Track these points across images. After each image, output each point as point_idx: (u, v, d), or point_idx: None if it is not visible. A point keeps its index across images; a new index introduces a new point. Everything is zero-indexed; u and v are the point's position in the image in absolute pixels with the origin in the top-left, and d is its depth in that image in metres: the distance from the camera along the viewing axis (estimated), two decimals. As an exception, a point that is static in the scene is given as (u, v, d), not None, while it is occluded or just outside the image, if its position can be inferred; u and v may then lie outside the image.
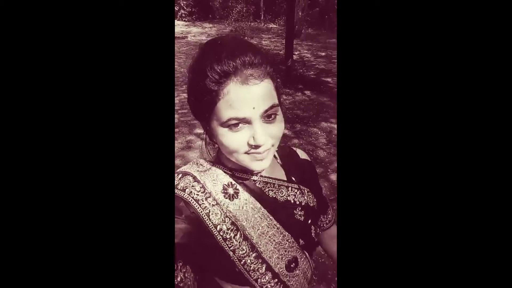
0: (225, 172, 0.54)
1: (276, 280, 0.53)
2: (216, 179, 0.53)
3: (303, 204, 0.59)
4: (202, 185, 0.51)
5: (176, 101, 4.33)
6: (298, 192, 0.59)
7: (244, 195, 0.53)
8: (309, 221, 0.60)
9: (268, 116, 0.45)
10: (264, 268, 0.52)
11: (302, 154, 0.70)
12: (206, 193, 0.51)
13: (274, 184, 0.57)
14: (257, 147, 0.45)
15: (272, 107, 0.44)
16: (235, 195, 0.52)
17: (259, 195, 0.54)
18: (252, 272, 0.51)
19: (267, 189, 0.56)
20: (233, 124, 0.43)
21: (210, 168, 0.54)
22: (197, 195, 0.50)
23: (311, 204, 0.61)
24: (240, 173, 0.54)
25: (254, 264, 0.51)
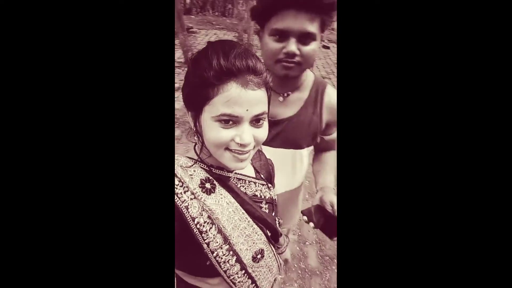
0: (202, 167, 0.56)
1: (244, 271, 0.57)
2: (194, 174, 0.55)
3: (267, 198, 0.66)
4: (179, 179, 0.53)
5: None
6: (264, 188, 0.66)
7: (220, 190, 0.56)
8: (273, 213, 0.67)
9: (256, 121, 0.49)
10: (234, 260, 0.55)
11: (267, 154, 0.77)
12: (184, 187, 0.53)
13: (245, 180, 0.62)
14: (242, 146, 0.48)
15: (262, 113, 0.49)
16: (212, 190, 0.55)
17: (233, 190, 0.58)
18: (222, 264, 0.54)
19: (239, 185, 0.61)
20: (224, 119, 0.46)
21: (192, 165, 0.56)
22: (176, 188, 0.52)
23: (274, 198, 0.69)
24: (217, 170, 0.57)
25: (225, 256, 0.54)
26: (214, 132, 0.47)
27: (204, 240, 0.52)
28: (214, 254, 0.53)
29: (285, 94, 0.84)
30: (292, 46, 0.69)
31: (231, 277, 0.56)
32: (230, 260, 0.55)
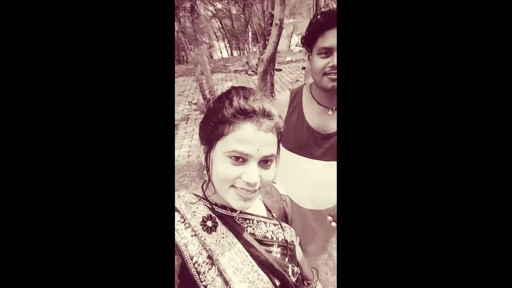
0: (205, 205, 0.56)
1: None
2: (196, 211, 0.54)
3: (280, 240, 0.61)
4: (182, 215, 0.53)
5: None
6: (276, 228, 0.61)
7: (222, 228, 0.54)
8: (286, 259, 0.61)
9: (265, 162, 0.51)
10: None
11: (280, 190, 0.74)
12: (186, 223, 0.52)
13: (253, 220, 0.59)
14: (249, 184, 0.49)
15: (271, 155, 0.51)
16: (213, 228, 0.54)
17: (236, 230, 0.55)
18: None
19: (246, 225, 0.58)
20: (235, 156, 0.48)
21: (196, 202, 0.56)
22: (177, 224, 0.52)
23: (290, 239, 0.63)
24: (220, 208, 0.56)
25: None
26: (223, 167, 0.49)
27: (202, 282, 0.49)
28: None
29: (334, 108, 0.89)
30: (336, 59, 0.77)
31: None
32: None
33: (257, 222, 0.60)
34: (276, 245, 0.60)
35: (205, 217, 0.54)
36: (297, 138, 0.92)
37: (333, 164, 0.91)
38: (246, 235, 0.56)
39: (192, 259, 0.49)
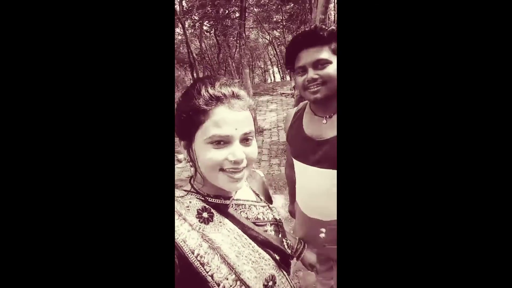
0: (198, 198, 0.57)
1: None
2: (190, 205, 0.56)
3: (270, 219, 0.66)
4: (176, 211, 0.54)
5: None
6: (265, 209, 0.66)
7: (219, 218, 0.56)
8: (280, 235, 0.65)
9: (245, 139, 0.54)
10: None
11: (261, 173, 0.80)
12: (181, 219, 0.53)
13: (245, 205, 0.63)
14: (236, 162, 0.51)
15: (250, 132, 0.54)
16: (209, 219, 0.55)
17: (232, 216, 0.58)
18: None
19: (239, 211, 0.61)
20: (216, 141, 0.51)
21: (185, 195, 0.57)
22: None
23: (278, 218, 0.68)
24: (213, 198, 0.58)
25: (233, 287, 0.52)
26: (207, 154, 0.51)
27: (207, 272, 0.50)
28: (221, 286, 0.51)
29: (327, 116, 0.95)
30: (310, 73, 0.87)
31: None
32: None
33: (249, 206, 0.63)
34: (269, 224, 0.64)
35: (199, 209, 0.56)
36: (296, 144, 1.03)
37: (328, 173, 0.93)
38: (242, 220, 0.59)
39: (193, 253, 0.50)
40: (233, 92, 0.53)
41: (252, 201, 0.65)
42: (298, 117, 1.06)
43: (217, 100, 0.52)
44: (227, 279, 0.51)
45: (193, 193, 0.58)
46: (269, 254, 0.59)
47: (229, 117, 0.51)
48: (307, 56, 0.88)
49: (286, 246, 0.64)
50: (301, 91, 0.94)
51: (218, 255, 0.52)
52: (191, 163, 0.57)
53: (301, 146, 1.00)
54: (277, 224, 0.67)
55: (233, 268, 0.52)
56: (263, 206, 0.66)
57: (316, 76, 0.87)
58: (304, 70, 0.89)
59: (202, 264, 0.50)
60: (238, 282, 0.52)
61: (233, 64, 5.40)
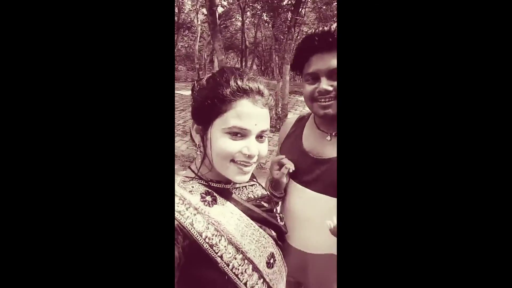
0: (200, 183, 0.59)
1: (262, 280, 0.57)
2: (193, 190, 0.57)
3: (260, 196, 0.68)
4: (179, 197, 0.55)
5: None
6: (254, 188, 0.69)
7: (221, 201, 0.59)
8: (274, 210, 0.69)
9: (260, 136, 0.56)
10: (250, 268, 0.56)
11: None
12: (186, 203, 0.54)
13: (238, 187, 0.65)
14: (249, 157, 0.54)
15: (267, 130, 0.57)
16: (213, 202, 0.57)
17: (233, 199, 0.61)
18: (240, 276, 0.54)
19: (238, 193, 0.64)
20: (234, 132, 0.53)
21: (188, 181, 0.59)
22: (177, 206, 0.53)
23: (265, 193, 0.72)
24: (215, 183, 0.60)
25: (241, 266, 0.54)
26: (223, 144, 0.53)
27: (217, 253, 0.52)
28: (230, 266, 0.53)
29: (333, 133, 0.82)
30: (323, 84, 0.72)
31: None
32: (247, 270, 0.55)
33: (241, 188, 0.66)
34: (262, 202, 0.67)
35: (203, 193, 0.57)
36: (290, 158, 0.86)
37: (322, 199, 0.79)
38: (242, 202, 0.62)
39: (201, 235, 0.51)
40: (259, 88, 0.55)
41: (246, 183, 0.66)
42: (299, 126, 0.91)
43: (244, 92, 0.53)
44: (235, 259, 0.54)
45: (195, 179, 0.60)
46: (267, 232, 0.62)
47: (251, 112, 0.53)
48: (321, 62, 0.72)
49: (280, 220, 0.68)
50: (308, 102, 0.79)
51: (225, 236, 0.54)
52: (201, 149, 0.58)
53: (296, 161, 0.84)
54: (270, 198, 0.71)
55: (239, 248, 0.55)
56: (252, 185, 0.69)
57: (330, 88, 0.72)
58: (315, 78, 0.75)
59: (211, 246, 0.52)
60: (246, 261, 0.55)
61: (276, 59, 5.32)
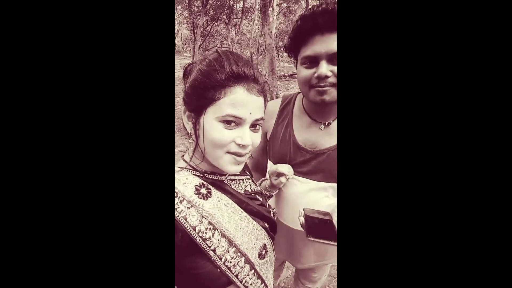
0: (195, 175, 0.57)
1: (253, 271, 0.57)
2: (187, 182, 0.55)
3: (256, 190, 0.69)
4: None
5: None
6: (250, 182, 0.69)
7: (216, 193, 0.57)
8: (267, 205, 0.70)
9: (254, 126, 0.54)
10: (243, 261, 0.55)
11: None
12: (180, 197, 0.52)
13: (236, 180, 0.64)
14: (243, 146, 0.52)
15: (261, 118, 0.54)
16: (208, 194, 0.55)
17: (228, 191, 0.59)
18: (233, 268, 0.54)
19: (233, 186, 0.63)
20: (228, 120, 0.50)
21: (180, 171, 0.57)
22: None
23: (259, 188, 0.73)
24: (210, 175, 0.58)
25: (234, 259, 0.54)
26: (217, 132, 0.50)
27: (210, 247, 0.51)
28: (223, 260, 0.53)
29: (326, 123, 0.79)
30: (322, 68, 0.67)
31: (243, 281, 0.55)
32: (239, 262, 0.55)
33: (238, 181, 0.65)
34: (259, 195, 0.68)
35: (197, 185, 0.55)
36: (281, 152, 0.83)
37: (322, 186, 0.79)
38: (237, 194, 0.61)
39: (195, 229, 0.51)
40: (254, 74, 0.52)
41: (239, 175, 0.66)
42: (286, 116, 0.86)
43: (238, 78, 0.50)
44: (228, 252, 0.53)
45: (189, 170, 0.57)
46: (260, 224, 0.62)
47: (246, 100, 0.50)
48: (321, 44, 0.66)
49: (272, 214, 0.69)
50: (303, 87, 0.73)
51: (218, 230, 0.53)
52: (193, 137, 0.55)
53: (289, 155, 0.81)
54: (262, 193, 0.71)
55: (232, 241, 0.54)
56: (248, 179, 0.68)
57: (330, 74, 0.67)
58: (313, 61, 0.69)
59: (204, 240, 0.51)
60: (238, 254, 0.55)
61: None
